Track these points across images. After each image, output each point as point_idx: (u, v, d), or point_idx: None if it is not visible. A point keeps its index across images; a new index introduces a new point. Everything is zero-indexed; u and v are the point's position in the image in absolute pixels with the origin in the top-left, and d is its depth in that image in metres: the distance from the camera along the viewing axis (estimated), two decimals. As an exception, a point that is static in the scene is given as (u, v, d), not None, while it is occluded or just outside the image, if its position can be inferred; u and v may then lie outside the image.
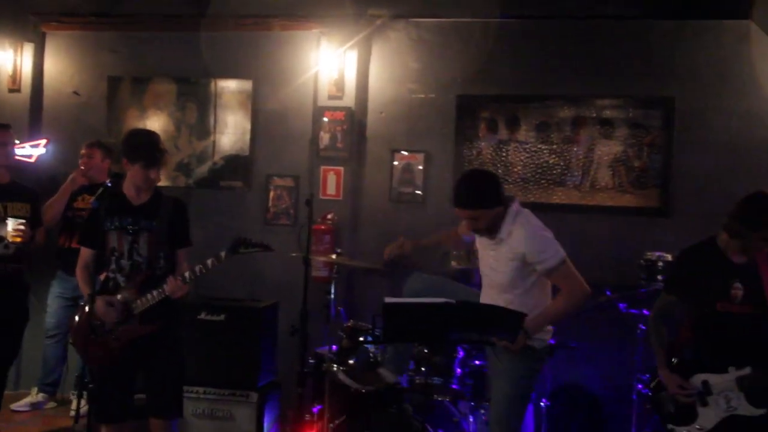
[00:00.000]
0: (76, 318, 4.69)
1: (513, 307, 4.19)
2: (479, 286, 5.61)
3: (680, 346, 4.42)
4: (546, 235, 4.28)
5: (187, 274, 4.51)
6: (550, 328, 4.41)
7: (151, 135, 4.78)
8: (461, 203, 4.24)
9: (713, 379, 4.25)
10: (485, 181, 4.29)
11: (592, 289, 5.56)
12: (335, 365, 5.24)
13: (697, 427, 4.26)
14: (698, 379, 4.29)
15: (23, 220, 5.40)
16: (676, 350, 4.43)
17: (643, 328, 5.47)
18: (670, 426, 4.36)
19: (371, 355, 4.92)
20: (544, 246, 4.23)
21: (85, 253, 4.68)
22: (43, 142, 6.81)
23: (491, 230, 4.29)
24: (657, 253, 5.70)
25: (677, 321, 4.48)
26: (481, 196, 4.21)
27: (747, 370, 4.17)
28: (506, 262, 4.29)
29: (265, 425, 5.40)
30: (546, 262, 4.20)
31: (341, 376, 5.01)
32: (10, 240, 5.34)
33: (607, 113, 6.29)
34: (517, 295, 4.29)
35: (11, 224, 5.35)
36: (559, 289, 4.30)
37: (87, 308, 4.50)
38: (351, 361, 5.05)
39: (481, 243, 4.45)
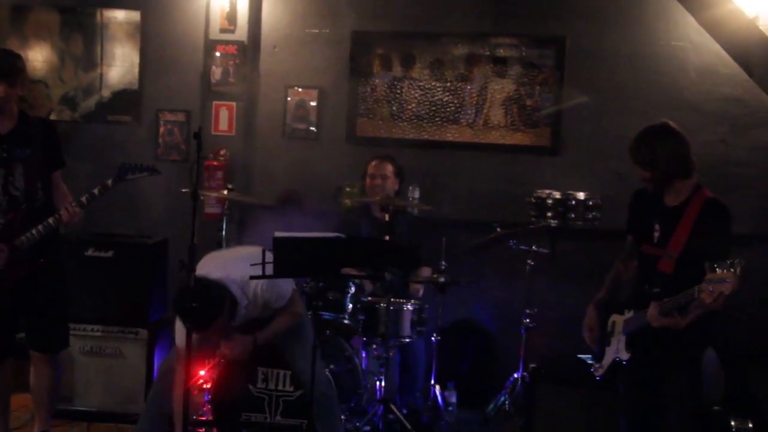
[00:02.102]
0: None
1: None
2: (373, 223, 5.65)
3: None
4: (277, 281, 4.17)
5: (84, 199, 4.37)
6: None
7: (7, 52, 4.53)
8: (197, 328, 4.00)
9: (617, 320, 4.17)
10: (204, 295, 3.95)
11: (485, 226, 5.71)
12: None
13: (598, 365, 4.25)
14: (611, 319, 4.21)
15: None
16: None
17: (532, 263, 5.60)
18: (592, 361, 4.33)
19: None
20: (281, 288, 4.25)
21: None
22: None
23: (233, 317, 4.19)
24: (546, 191, 5.82)
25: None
26: (211, 310, 4.00)
27: (630, 314, 4.08)
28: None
29: (156, 362, 5.34)
30: (284, 298, 4.28)
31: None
32: None
33: (501, 52, 6.31)
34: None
35: None
36: None
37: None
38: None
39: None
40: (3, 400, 4.64)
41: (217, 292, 4.04)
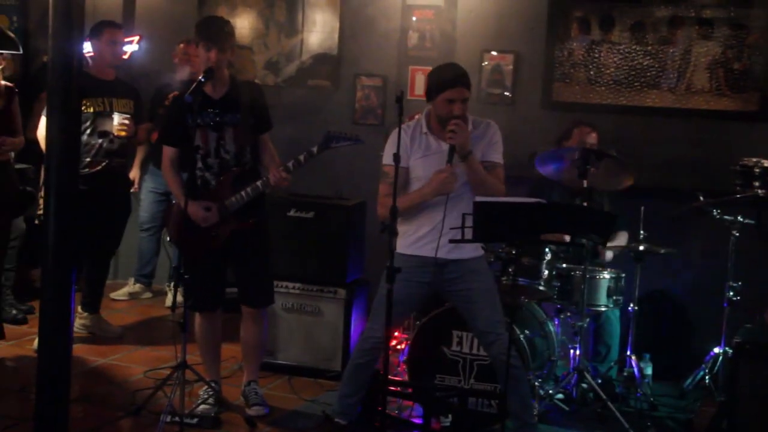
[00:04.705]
0: (172, 215, 4.79)
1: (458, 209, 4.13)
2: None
3: None
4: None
5: (290, 164, 4.55)
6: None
7: (217, 18, 4.82)
8: (466, 81, 4.29)
9: None
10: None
11: (687, 195, 5.50)
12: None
13: None
14: None
15: (128, 116, 5.53)
16: None
17: (736, 234, 5.36)
18: None
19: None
20: (500, 143, 4.47)
21: (169, 152, 4.66)
22: (136, 38, 6.87)
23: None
24: (754, 159, 5.53)
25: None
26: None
27: None
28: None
29: (353, 320, 5.49)
30: (498, 155, 4.40)
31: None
32: (116, 134, 5.50)
33: (707, 13, 6.05)
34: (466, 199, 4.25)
35: (117, 119, 5.51)
36: None
37: (181, 206, 4.51)
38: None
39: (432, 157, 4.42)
40: (214, 347, 4.90)
41: None
